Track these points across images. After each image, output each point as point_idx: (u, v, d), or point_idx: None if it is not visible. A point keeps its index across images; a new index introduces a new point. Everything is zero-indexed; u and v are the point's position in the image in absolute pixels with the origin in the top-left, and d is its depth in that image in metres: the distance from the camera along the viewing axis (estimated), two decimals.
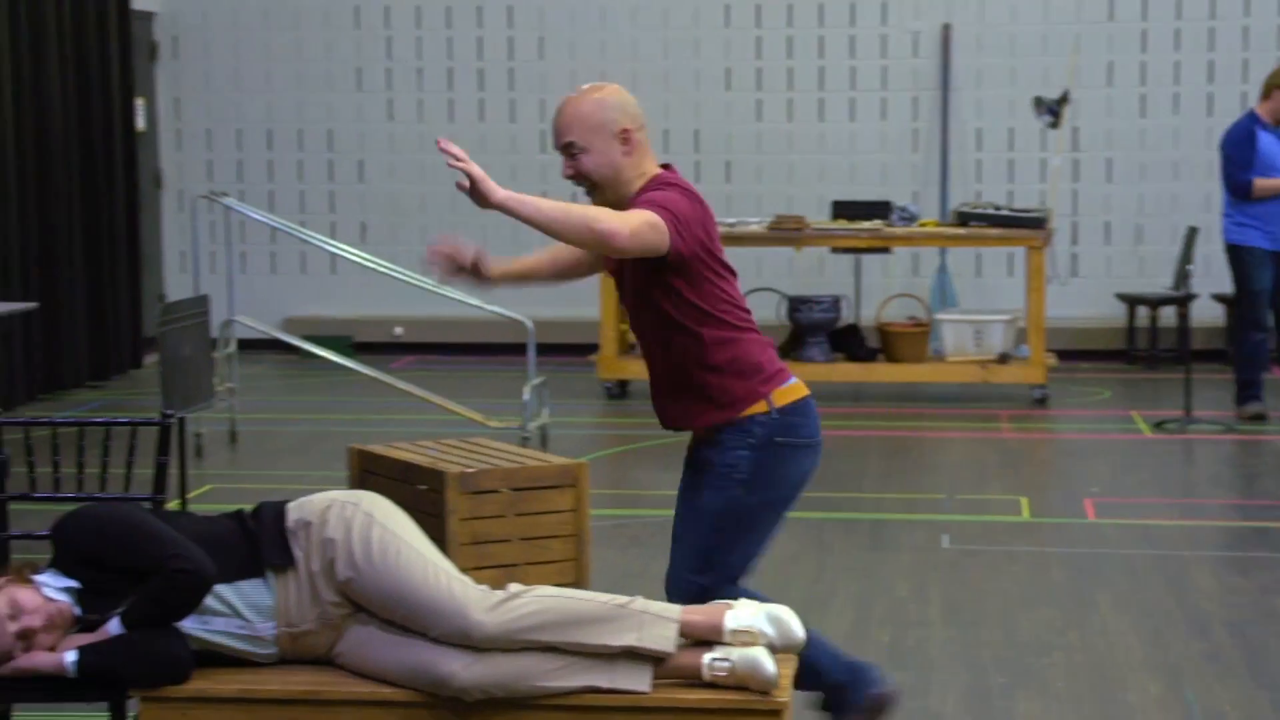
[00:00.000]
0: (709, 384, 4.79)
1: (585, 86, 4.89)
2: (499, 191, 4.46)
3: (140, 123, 14.05)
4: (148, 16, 14.51)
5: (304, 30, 14.66)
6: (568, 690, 4.03)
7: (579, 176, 4.77)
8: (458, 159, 4.42)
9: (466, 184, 4.44)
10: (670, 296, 4.76)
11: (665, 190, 4.74)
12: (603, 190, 4.77)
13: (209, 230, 12.27)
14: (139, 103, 14.01)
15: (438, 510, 6.06)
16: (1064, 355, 12.77)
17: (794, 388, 4.88)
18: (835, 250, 13.26)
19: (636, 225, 4.55)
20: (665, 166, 4.87)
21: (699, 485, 4.86)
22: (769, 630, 4.12)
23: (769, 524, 4.89)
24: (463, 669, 4.00)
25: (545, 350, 11.53)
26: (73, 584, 4.11)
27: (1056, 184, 13.72)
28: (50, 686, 4.09)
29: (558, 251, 5.06)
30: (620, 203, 4.73)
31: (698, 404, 4.81)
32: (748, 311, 4.98)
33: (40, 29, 12.35)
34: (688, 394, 4.82)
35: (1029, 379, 12.08)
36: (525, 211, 4.47)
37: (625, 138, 4.76)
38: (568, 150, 4.74)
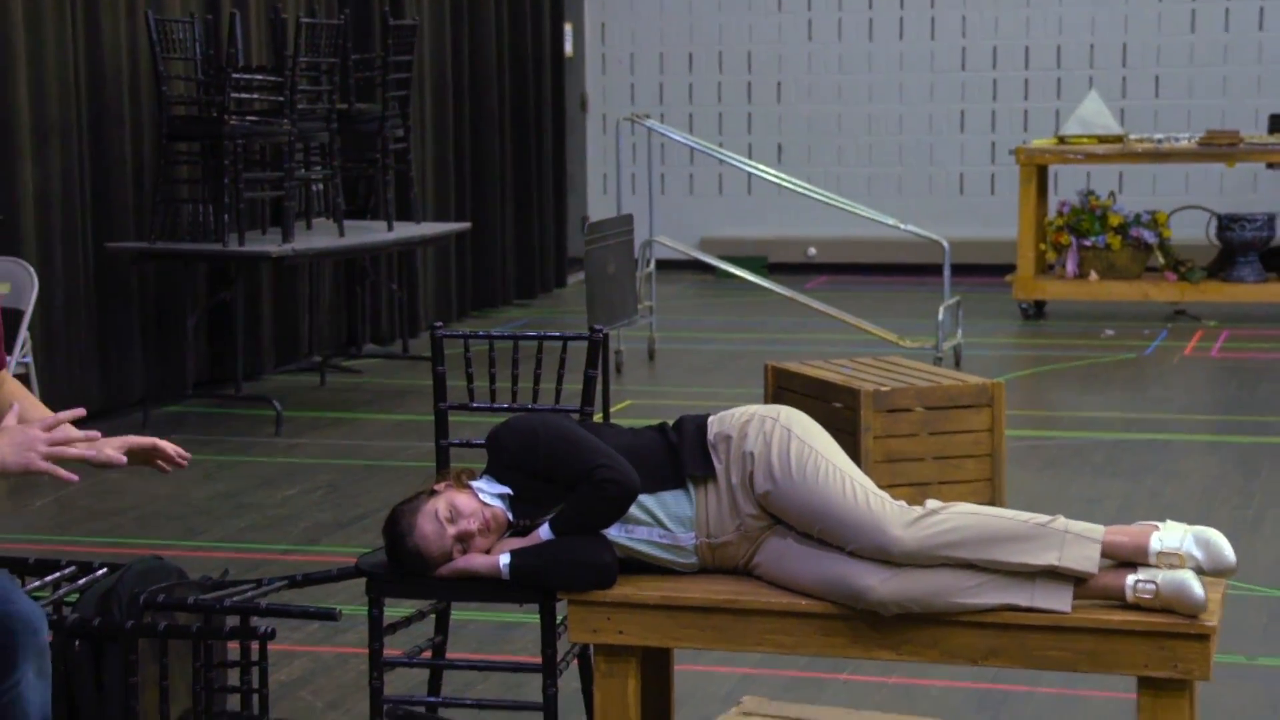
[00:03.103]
0: None
1: None
2: None
3: (568, 48, 14.36)
4: None
5: None
6: (985, 608, 3.99)
7: None
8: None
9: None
10: None
11: None
12: None
13: (630, 152, 12.49)
14: (567, 28, 14.31)
15: (852, 427, 6.08)
16: None
17: None
18: (1271, 166, 12.77)
19: None
20: None
21: None
22: (1197, 553, 4.01)
23: None
24: (880, 583, 4.01)
25: (960, 270, 11.44)
26: (506, 490, 4.24)
27: None
28: (485, 587, 4.23)
29: None
30: None
31: None
32: None
33: None
34: None
35: None
36: None
37: None
38: None
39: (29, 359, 8.01)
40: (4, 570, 3.97)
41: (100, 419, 9.02)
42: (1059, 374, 10.36)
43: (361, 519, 7.04)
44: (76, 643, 4.41)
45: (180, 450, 4.00)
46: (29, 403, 4.14)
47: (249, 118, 9.23)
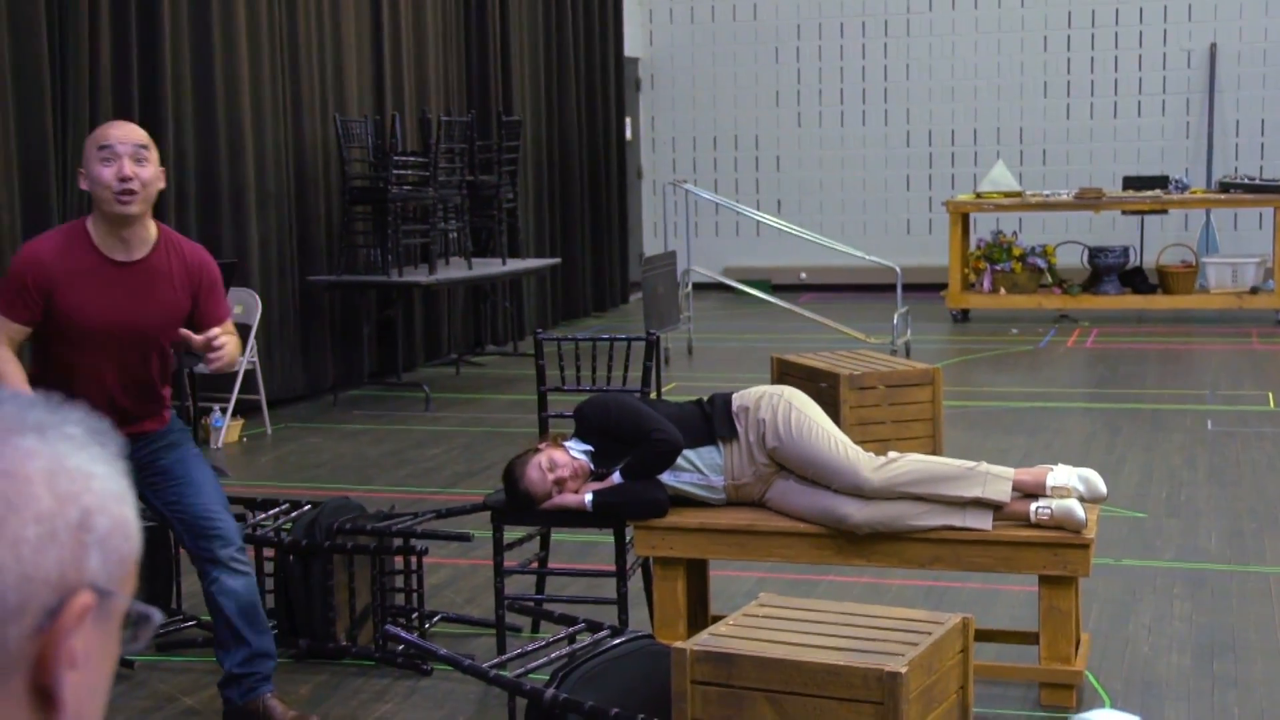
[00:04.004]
0: (165, 393, 3.94)
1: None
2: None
3: (628, 134, 14.32)
4: (634, 61, 14.75)
5: (739, 65, 14.69)
6: (931, 528, 3.97)
7: (135, 180, 3.64)
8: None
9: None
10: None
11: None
12: (144, 205, 3.68)
13: (673, 207, 12.45)
14: (628, 120, 14.28)
15: (834, 401, 6.02)
16: None
17: None
18: (1125, 212, 12.63)
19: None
20: None
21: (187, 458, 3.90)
22: (1080, 486, 3.96)
23: None
24: (856, 511, 3.98)
25: (908, 288, 11.34)
26: (589, 448, 4.23)
27: None
28: (575, 517, 4.22)
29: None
30: (144, 221, 3.71)
31: (160, 407, 3.91)
32: None
33: (564, 69, 12.69)
34: (154, 401, 3.89)
35: (1273, 305, 11.36)
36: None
37: (161, 176, 3.76)
38: (137, 155, 3.65)
39: (255, 359, 8.03)
40: (219, 490, 3.91)
41: (305, 399, 9.06)
42: (979, 360, 10.27)
43: (486, 470, 7.04)
44: (291, 557, 4.41)
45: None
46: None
47: (405, 187, 9.23)
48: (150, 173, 3.70)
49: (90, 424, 0.89)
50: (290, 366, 8.94)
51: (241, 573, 3.83)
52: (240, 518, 4.64)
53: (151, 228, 3.77)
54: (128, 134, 3.71)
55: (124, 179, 3.63)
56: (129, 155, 3.65)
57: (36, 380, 3.69)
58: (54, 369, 3.73)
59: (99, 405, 3.67)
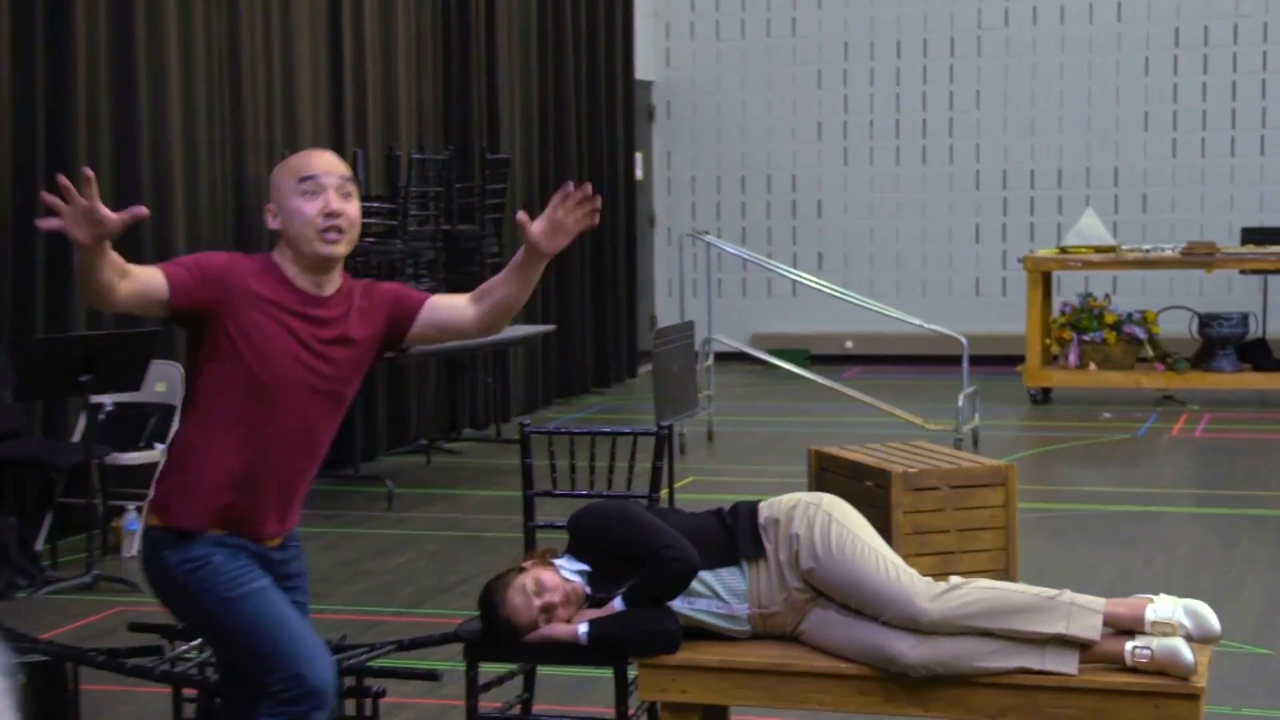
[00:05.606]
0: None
1: None
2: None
3: (639, 172, 14.41)
4: (647, 85, 14.87)
5: (774, 92, 14.80)
6: (1003, 670, 3.93)
7: (343, 217, 3.77)
8: None
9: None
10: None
11: None
12: (348, 247, 3.83)
13: (692, 261, 12.50)
14: (638, 156, 14.37)
15: (885, 504, 6.01)
16: None
17: None
18: (1244, 272, 12.67)
19: None
20: None
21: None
22: (1187, 622, 3.93)
23: None
24: (910, 649, 3.95)
25: (976, 361, 11.35)
26: (584, 567, 4.21)
27: None
28: (566, 651, 4.20)
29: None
30: (340, 265, 3.87)
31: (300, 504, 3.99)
32: None
33: (562, 96, 12.79)
34: (301, 495, 3.99)
35: None
36: None
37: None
38: (343, 188, 3.79)
39: None
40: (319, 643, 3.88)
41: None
42: (1063, 452, 10.25)
43: (462, 584, 7.01)
44: (217, 700, 4.37)
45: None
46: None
47: (367, 239, 9.27)
48: (356, 209, 3.81)
49: None
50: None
51: None
52: (156, 649, 4.63)
53: (340, 272, 3.88)
54: (332, 165, 3.82)
55: (331, 214, 3.73)
56: (335, 188, 3.76)
57: (199, 448, 3.72)
58: (221, 429, 3.69)
59: (271, 472, 3.79)
